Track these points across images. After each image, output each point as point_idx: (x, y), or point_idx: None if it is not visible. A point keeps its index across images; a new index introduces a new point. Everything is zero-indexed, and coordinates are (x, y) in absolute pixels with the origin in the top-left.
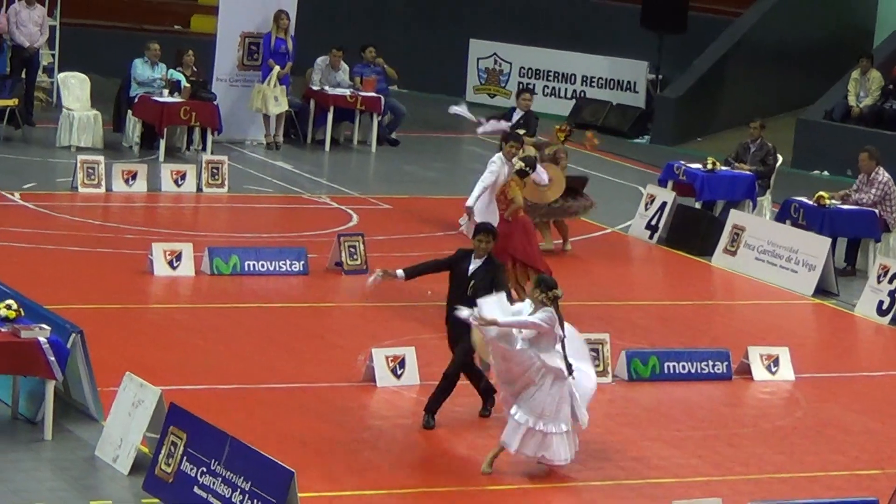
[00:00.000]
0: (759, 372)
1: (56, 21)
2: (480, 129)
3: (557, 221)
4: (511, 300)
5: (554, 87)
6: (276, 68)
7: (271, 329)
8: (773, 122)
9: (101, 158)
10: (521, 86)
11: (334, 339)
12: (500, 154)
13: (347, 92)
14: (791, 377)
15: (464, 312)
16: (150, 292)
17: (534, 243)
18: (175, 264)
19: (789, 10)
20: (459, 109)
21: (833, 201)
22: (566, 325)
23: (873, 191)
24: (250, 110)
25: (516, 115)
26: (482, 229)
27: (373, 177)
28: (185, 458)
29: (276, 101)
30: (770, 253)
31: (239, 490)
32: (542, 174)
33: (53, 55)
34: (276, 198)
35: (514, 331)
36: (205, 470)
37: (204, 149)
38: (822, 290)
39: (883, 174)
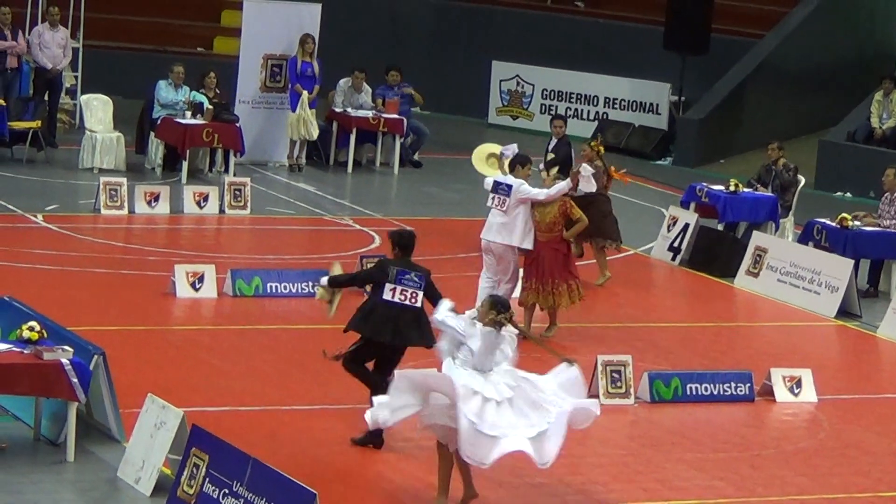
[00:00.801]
0: (781, 394)
1: (79, 43)
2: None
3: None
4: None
5: (577, 109)
6: (305, 93)
7: (293, 350)
8: (796, 144)
9: (123, 180)
10: (543, 108)
11: None
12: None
13: (370, 114)
14: (814, 399)
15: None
16: (172, 314)
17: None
18: (197, 286)
19: (811, 33)
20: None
21: (856, 223)
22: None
23: None
24: (293, 139)
25: (552, 143)
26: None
27: (395, 198)
28: (207, 479)
29: (312, 125)
30: (792, 275)
31: None
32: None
33: (76, 77)
34: (298, 219)
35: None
36: (227, 491)
37: (226, 171)
38: (844, 312)
39: None
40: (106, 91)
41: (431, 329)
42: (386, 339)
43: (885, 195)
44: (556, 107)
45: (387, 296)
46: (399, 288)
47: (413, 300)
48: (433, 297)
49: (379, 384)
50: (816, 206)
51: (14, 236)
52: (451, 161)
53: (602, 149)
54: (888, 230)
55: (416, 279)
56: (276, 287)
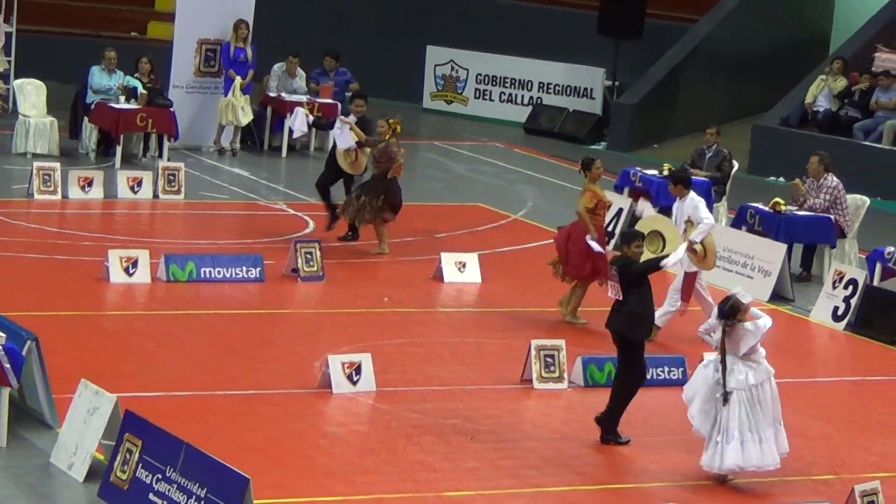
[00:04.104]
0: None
1: (12, 28)
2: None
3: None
4: None
5: (511, 94)
6: (238, 79)
7: (227, 336)
8: (730, 129)
9: (57, 165)
10: (477, 93)
11: (290, 345)
12: None
13: (304, 98)
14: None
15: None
16: (105, 299)
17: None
18: (131, 271)
19: (745, 17)
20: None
21: (789, 207)
22: None
23: (823, 195)
24: (222, 123)
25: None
26: None
27: None
28: (140, 464)
29: (243, 110)
30: (726, 259)
31: (194, 497)
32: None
33: (9, 62)
34: (232, 204)
35: None
36: (160, 477)
37: (160, 155)
38: (777, 296)
39: (832, 179)
40: (39, 76)
41: None
42: None
43: (810, 180)
44: (491, 91)
45: None
46: None
47: None
48: None
49: None
50: (750, 190)
51: None
52: None
53: (399, 127)
54: (820, 214)
55: None
56: (210, 272)
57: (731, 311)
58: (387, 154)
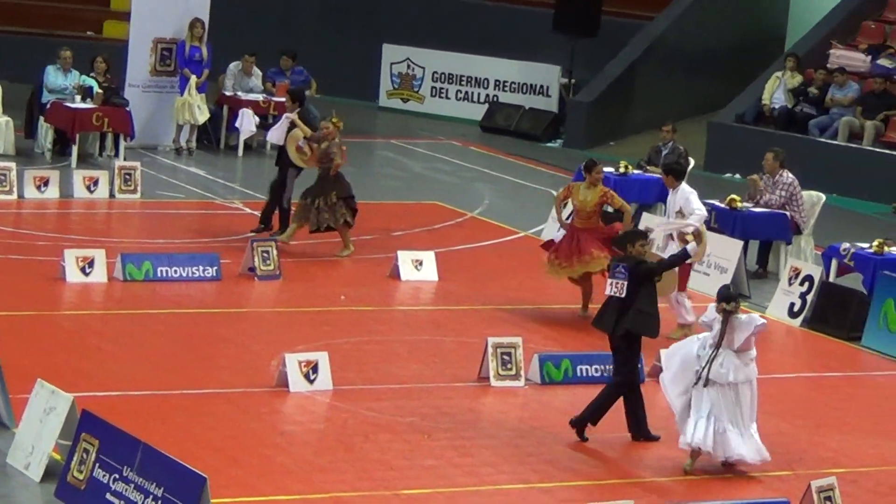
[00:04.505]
0: None
1: None
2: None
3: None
4: None
5: (467, 92)
6: (193, 78)
7: (184, 335)
8: (686, 126)
9: (12, 165)
10: (433, 91)
11: (247, 344)
12: None
13: (260, 97)
14: None
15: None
16: (62, 299)
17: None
18: (87, 271)
19: (701, 15)
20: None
21: (745, 204)
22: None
23: (778, 192)
24: (179, 123)
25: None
26: None
27: None
28: (97, 464)
29: (200, 109)
30: None
31: (152, 496)
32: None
33: None
34: (188, 203)
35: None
36: (117, 476)
37: (116, 155)
38: None
39: (787, 176)
40: None
41: None
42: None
43: (766, 177)
44: (447, 89)
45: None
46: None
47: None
48: None
49: None
50: (706, 187)
51: None
52: (343, 144)
53: (341, 125)
54: (776, 211)
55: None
56: (167, 271)
57: (734, 296)
58: (327, 154)
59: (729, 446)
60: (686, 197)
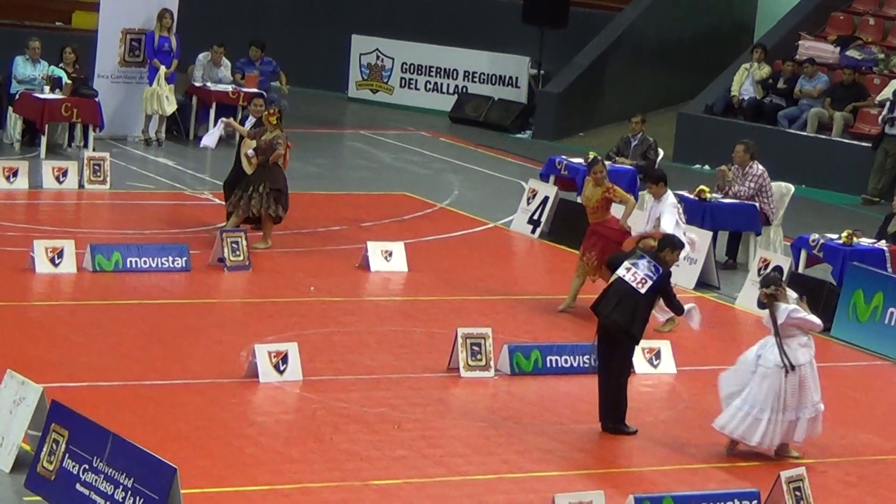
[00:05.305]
0: (640, 365)
1: None
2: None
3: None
4: None
5: (436, 83)
6: (163, 68)
7: (154, 326)
8: (655, 117)
9: None
10: (402, 82)
11: (217, 335)
12: None
13: (229, 88)
14: (673, 370)
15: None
16: (31, 289)
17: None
18: (57, 261)
19: (670, 6)
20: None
21: (714, 195)
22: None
23: (748, 183)
24: (147, 113)
25: (248, 122)
26: None
27: None
28: (67, 455)
29: (168, 100)
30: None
31: (121, 487)
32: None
33: None
34: (158, 194)
35: None
36: (87, 467)
37: (86, 145)
38: (703, 284)
39: (757, 167)
40: None
41: None
42: None
43: (735, 168)
44: (416, 80)
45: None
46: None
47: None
48: None
49: None
50: (675, 178)
51: None
52: (312, 135)
53: (274, 119)
54: (746, 202)
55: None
56: (136, 262)
57: (770, 280)
58: (270, 145)
59: (777, 434)
60: (668, 210)
